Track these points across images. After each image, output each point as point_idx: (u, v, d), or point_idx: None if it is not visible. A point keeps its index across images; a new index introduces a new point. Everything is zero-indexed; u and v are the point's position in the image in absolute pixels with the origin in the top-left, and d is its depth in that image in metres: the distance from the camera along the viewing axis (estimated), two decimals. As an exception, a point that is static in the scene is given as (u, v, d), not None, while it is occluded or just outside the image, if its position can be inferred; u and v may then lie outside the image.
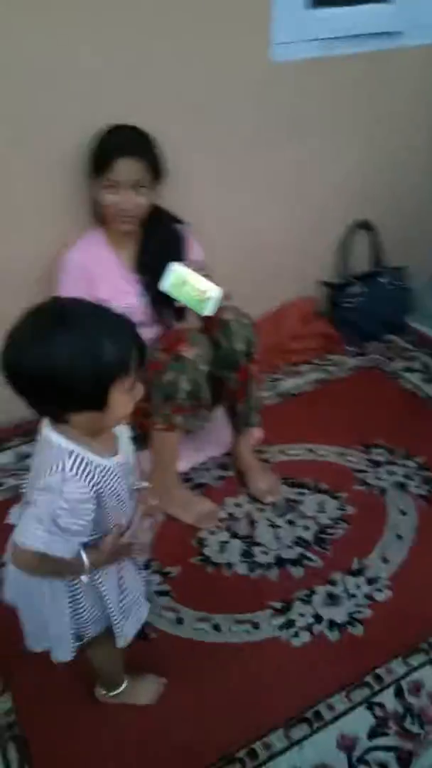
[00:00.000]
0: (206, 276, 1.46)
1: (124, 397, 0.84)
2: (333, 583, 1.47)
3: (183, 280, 1.43)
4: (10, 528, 0.92)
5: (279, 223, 2.13)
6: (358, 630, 1.37)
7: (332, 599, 1.43)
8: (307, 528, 1.61)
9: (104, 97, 1.56)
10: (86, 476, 0.85)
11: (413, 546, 1.55)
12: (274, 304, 2.29)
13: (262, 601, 1.43)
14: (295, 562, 1.52)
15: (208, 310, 1.44)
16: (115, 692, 1.22)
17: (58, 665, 1.04)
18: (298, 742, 1.18)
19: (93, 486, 0.86)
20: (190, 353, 1.48)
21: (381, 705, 1.23)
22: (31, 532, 0.84)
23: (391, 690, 1.26)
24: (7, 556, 0.94)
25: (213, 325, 1.58)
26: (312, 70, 1.88)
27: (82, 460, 0.85)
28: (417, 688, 1.26)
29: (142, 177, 1.47)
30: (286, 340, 2.23)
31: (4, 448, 1.84)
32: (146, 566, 1.47)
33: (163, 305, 1.58)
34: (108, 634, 1.04)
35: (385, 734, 1.19)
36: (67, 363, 0.77)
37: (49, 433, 0.87)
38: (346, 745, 1.17)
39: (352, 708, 1.23)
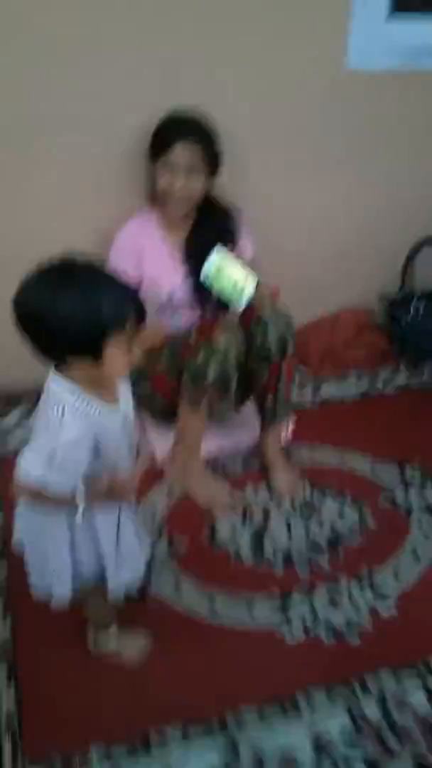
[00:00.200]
0: (245, 269, 1.53)
1: (119, 352, 0.93)
2: (337, 588, 1.50)
3: (221, 271, 1.49)
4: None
5: (342, 230, 2.18)
6: (353, 638, 1.40)
7: (334, 603, 1.47)
8: (321, 532, 1.65)
9: (175, 86, 1.67)
10: (84, 417, 0.95)
11: (429, 568, 1.56)
12: (331, 309, 2.34)
13: (262, 589, 1.48)
14: (303, 562, 1.56)
15: (243, 300, 1.50)
16: (104, 646, 1.30)
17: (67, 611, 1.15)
18: (270, 723, 1.22)
19: (91, 427, 0.96)
20: (221, 341, 1.56)
21: (361, 710, 1.26)
22: (30, 465, 0.95)
23: (374, 699, 1.28)
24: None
25: (250, 318, 1.65)
26: (388, 81, 1.92)
27: (83, 401, 0.95)
28: (401, 703, 1.28)
29: (197, 162, 1.57)
30: (337, 347, 2.27)
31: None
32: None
33: (207, 291, 1.66)
34: (104, 586, 1.14)
35: (360, 740, 1.21)
36: (67, 309, 0.88)
37: (53, 378, 0.97)
38: (317, 738, 1.21)
39: (332, 707, 1.26)
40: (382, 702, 1.28)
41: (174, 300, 1.75)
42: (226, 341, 1.57)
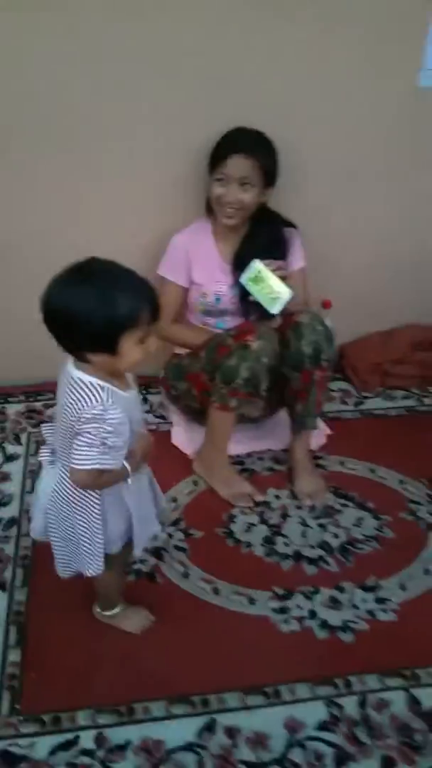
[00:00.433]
0: (282, 278, 1.66)
1: (134, 346, 1.06)
2: (341, 589, 1.57)
3: (260, 277, 1.66)
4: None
5: (402, 246, 2.23)
6: (347, 637, 1.46)
7: (334, 603, 1.54)
8: (336, 536, 1.72)
9: (243, 101, 1.82)
10: (119, 400, 1.10)
11: (439, 584, 1.59)
12: (388, 325, 2.39)
13: (266, 583, 1.58)
14: (312, 561, 1.64)
15: (275, 309, 1.66)
16: (109, 612, 1.45)
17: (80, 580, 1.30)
18: (250, 708, 1.32)
19: (125, 409, 1.11)
20: (254, 344, 1.68)
21: (340, 706, 1.32)
22: (84, 457, 1.09)
23: (355, 698, 1.34)
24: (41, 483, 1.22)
25: (287, 325, 1.76)
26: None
27: (111, 392, 1.09)
28: (382, 706, 1.33)
29: (250, 174, 1.70)
30: (389, 362, 2.32)
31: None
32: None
33: (251, 300, 1.78)
34: (115, 556, 1.29)
35: (332, 732, 1.28)
36: (85, 308, 1.01)
37: (76, 372, 1.10)
38: (292, 726, 1.29)
39: (312, 699, 1.34)
40: (362, 702, 1.33)
41: (219, 306, 1.90)
42: (260, 345, 1.69)
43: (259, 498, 1.81)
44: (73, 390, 1.09)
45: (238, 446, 1.97)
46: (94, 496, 1.19)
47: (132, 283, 1.05)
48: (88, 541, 1.22)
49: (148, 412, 2.14)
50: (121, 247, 1.90)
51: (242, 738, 1.27)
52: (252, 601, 1.54)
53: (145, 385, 2.23)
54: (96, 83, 1.76)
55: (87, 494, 1.18)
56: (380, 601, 1.54)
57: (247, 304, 1.83)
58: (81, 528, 1.21)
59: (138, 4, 1.66)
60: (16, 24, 1.65)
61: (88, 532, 1.21)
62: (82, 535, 1.22)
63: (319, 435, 2.03)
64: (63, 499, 1.20)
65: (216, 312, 1.92)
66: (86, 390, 1.08)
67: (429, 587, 1.58)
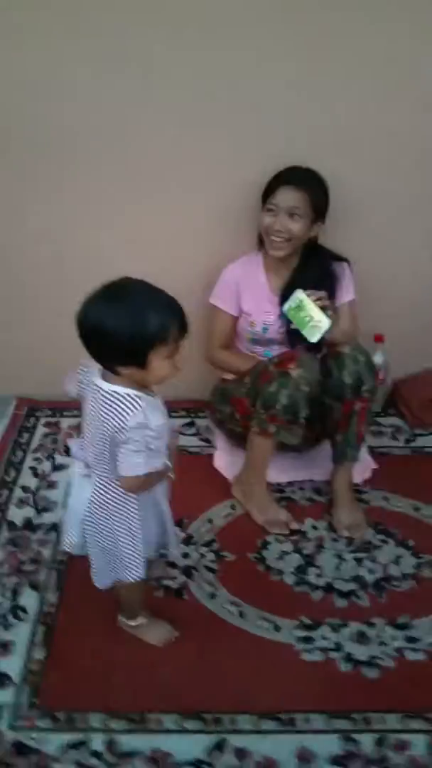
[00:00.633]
0: (323, 308, 1.71)
1: (162, 362, 1.13)
2: (370, 625, 1.55)
3: (301, 306, 1.72)
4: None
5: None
6: (372, 673, 1.44)
7: (361, 638, 1.52)
8: (371, 571, 1.70)
9: (300, 138, 1.91)
10: (156, 410, 1.18)
11: None
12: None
13: (294, 612, 1.58)
14: (343, 595, 1.63)
15: (314, 337, 1.72)
16: (133, 622, 1.50)
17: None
18: (262, 732, 1.32)
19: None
20: (295, 372, 1.72)
21: (356, 742, 1.30)
22: (134, 464, 1.17)
23: (373, 736, 1.31)
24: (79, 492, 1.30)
25: (330, 355, 1.80)
26: None
27: (145, 400, 1.17)
28: (402, 747, 1.30)
29: (298, 206, 1.77)
30: (443, 401, 2.29)
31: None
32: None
33: (298, 332, 1.83)
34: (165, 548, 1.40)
35: (344, 767, 1.26)
36: (116, 324, 1.09)
37: (109, 386, 1.17)
38: (303, 756, 1.28)
39: (327, 731, 1.32)
40: (381, 741, 1.31)
41: (266, 336, 1.96)
42: (300, 373, 1.74)
43: (295, 526, 1.82)
44: (111, 403, 1.16)
45: (280, 474, 2.00)
46: (133, 501, 1.26)
47: (161, 301, 1.13)
48: (129, 546, 1.29)
49: (194, 435, 2.21)
50: (177, 275, 2.03)
51: (251, 761, 1.27)
52: (277, 628, 1.54)
53: (194, 409, 2.31)
54: (157, 121, 1.89)
55: (127, 499, 1.26)
56: (411, 640, 1.51)
57: (293, 334, 1.88)
58: (121, 534, 1.28)
59: (192, 41, 1.79)
60: (79, 56, 1.81)
61: (128, 537, 1.28)
62: (122, 541, 1.29)
63: (364, 468, 2.02)
64: (102, 508, 1.27)
65: (263, 341, 1.98)
66: (126, 401, 1.15)
67: (464, 631, 1.54)
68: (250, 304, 1.96)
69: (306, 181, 1.79)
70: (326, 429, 1.89)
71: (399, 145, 1.96)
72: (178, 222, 2.06)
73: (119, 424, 1.14)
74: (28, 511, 1.87)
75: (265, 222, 1.83)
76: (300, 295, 1.74)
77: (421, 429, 2.26)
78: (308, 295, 1.74)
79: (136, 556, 1.30)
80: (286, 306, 1.78)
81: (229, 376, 2.03)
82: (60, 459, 2.07)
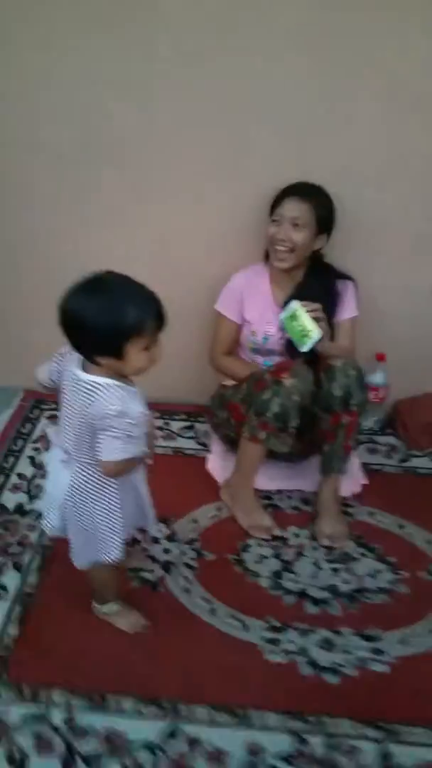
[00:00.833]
0: (316, 320, 1.76)
1: (139, 354, 1.19)
2: (338, 633, 1.58)
3: (295, 316, 1.78)
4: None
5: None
6: (332, 679, 1.47)
7: (327, 645, 1.55)
8: (347, 582, 1.73)
9: (311, 155, 1.98)
10: (134, 399, 1.24)
11: (442, 647, 1.56)
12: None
13: (264, 613, 1.62)
14: (315, 602, 1.66)
15: (305, 347, 1.78)
16: (105, 608, 1.56)
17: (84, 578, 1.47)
18: (217, 724, 1.36)
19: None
20: (288, 381, 1.78)
21: (306, 743, 1.33)
22: (114, 450, 1.23)
23: (325, 739, 1.34)
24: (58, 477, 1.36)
25: (322, 368, 1.85)
26: None
27: (128, 390, 1.24)
28: (351, 752, 1.32)
29: (302, 216, 1.83)
30: (442, 424, 2.31)
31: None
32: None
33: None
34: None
35: (292, 765, 1.29)
36: (94, 315, 1.15)
37: (87, 376, 1.23)
38: (253, 750, 1.31)
39: (280, 730, 1.36)
40: (332, 745, 1.33)
41: (267, 346, 2.02)
42: (292, 383, 1.79)
43: (277, 533, 1.86)
44: (91, 392, 1.22)
45: (270, 482, 2.05)
46: (113, 485, 1.32)
47: (140, 295, 1.19)
48: (108, 528, 1.35)
49: (191, 438, 2.27)
50: (186, 281, 2.08)
51: (202, 750, 1.31)
52: (246, 627, 1.58)
53: (194, 413, 2.37)
54: (172, 135, 1.99)
55: (106, 484, 1.32)
56: (377, 651, 1.54)
57: (292, 345, 1.93)
58: (100, 517, 1.34)
59: (211, 61, 1.88)
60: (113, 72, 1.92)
61: (107, 519, 1.34)
62: (101, 524, 1.35)
63: (353, 483, 2.06)
64: (82, 492, 1.33)
65: (264, 351, 2.03)
66: (104, 390, 1.21)
67: (428, 648, 1.55)
68: (253, 314, 2.02)
69: (310, 194, 1.86)
70: (315, 440, 1.93)
71: (409, 164, 2.01)
72: (189, 231, 2.14)
73: (99, 413, 1.20)
74: (21, 497, 1.95)
75: (270, 232, 1.90)
76: (295, 305, 1.80)
77: (417, 451, 2.29)
78: (303, 306, 1.79)
79: (114, 537, 1.36)
80: (282, 315, 1.84)
81: (230, 382, 2.09)
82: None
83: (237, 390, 1.99)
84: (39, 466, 2.07)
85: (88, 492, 1.33)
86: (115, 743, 1.31)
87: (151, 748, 1.31)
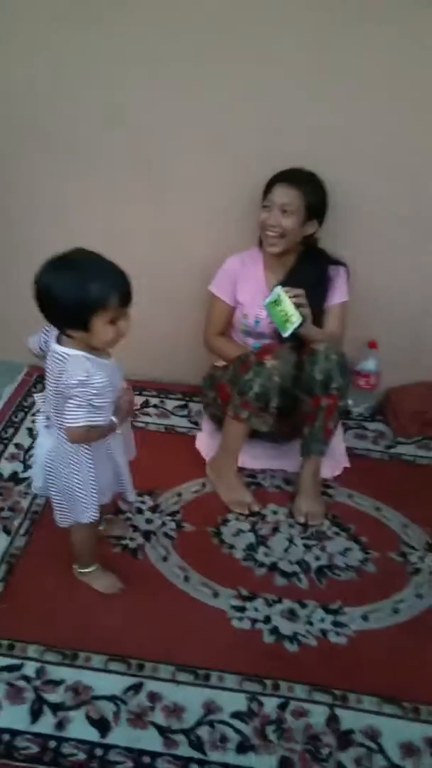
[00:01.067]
0: (298, 306, 1.80)
1: (105, 327, 1.25)
2: (303, 605, 1.63)
3: (278, 301, 1.81)
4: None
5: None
6: (292, 647, 1.53)
7: (291, 615, 1.61)
8: (317, 558, 1.78)
9: (303, 141, 1.99)
10: (101, 367, 1.30)
11: (401, 625, 1.60)
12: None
13: (234, 583, 1.68)
14: (285, 575, 1.72)
15: (286, 332, 1.82)
16: (85, 570, 1.64)
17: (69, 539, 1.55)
18: (178, 682, 1.43)
19: (107, 373, 1.31)
20: (269, 363, 1.82)
21: (261, 704, 1.40)
22: (76, 416, 1.30)
23: (278, 700, 1.41)
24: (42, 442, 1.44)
25: (305, 351, 1.88)
26: None
27: (94, 361, 1.30)
28: (300, 713, 1.38)
29: (292, 202, 1.86)
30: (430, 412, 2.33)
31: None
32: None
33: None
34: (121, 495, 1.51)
35: (244, 722, 1.36)
36: (62, 290, 1.21)
37: (60, 348, 1.31)
38: (209, 707, 1.38)
39: (237, 690, 1.42)
40: (283, 705, 1.40)
41: (258, 329, 2.06)
42: (274, 364, 1.83)
43: (255, 508, 1.92)
44: (61, 363, 1.30)
45: (254, 461, 2.10)
46: (86, 451, 1.39)
47: (106, 271, 1.24)
48: (82, 490, 1.42)
49: (185, 417, 2.33)
50: (182, 263, 2.12)
51: (161, 705, 1.39)
52: (216, 594, 1.65)
53: (189, 393, 2.42)
54: (169, 121, 2.02)
55: (79, 450, 1.39)
56: (337, 624, 1.59)
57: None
58: (75, 480, 1.41)
59: (199, 53, 1.91)
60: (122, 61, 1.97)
61: (81, 482, 1.41)
62: (76, 486, 1.42)
63: (335, 466, 2.09)
64: (60, 456, 1.41)
65: (255, 334, 2.07)
66: (71, 361, 1.29)
67: (391, 624, 1.60)
68: (245, 296, 2.05)
69: (300, 180, 1.88)
70: (298, 422, 1.97)
71: (401, 151, 2.01)
72: (186, 215, 2.18)
73: (65, 381, 1.27)
74: (17, 466, 2.03)
75: (261, 217, 1.93)
76: (278, 290, 1.83)
77: (405, 438, 2.31)
78: (286, 292, 1.82)
79: (88, 499, 1.43)
80: (266, 300, 1.88)
81: (221, 363, 2.14)
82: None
83: (226, 371, 2.04)
84: (36, 437, 2.15)
85: (64, 457, 1.40)
86: (81, 695, 1.39)
87: (114, 700, 1.38)
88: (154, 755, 1.29)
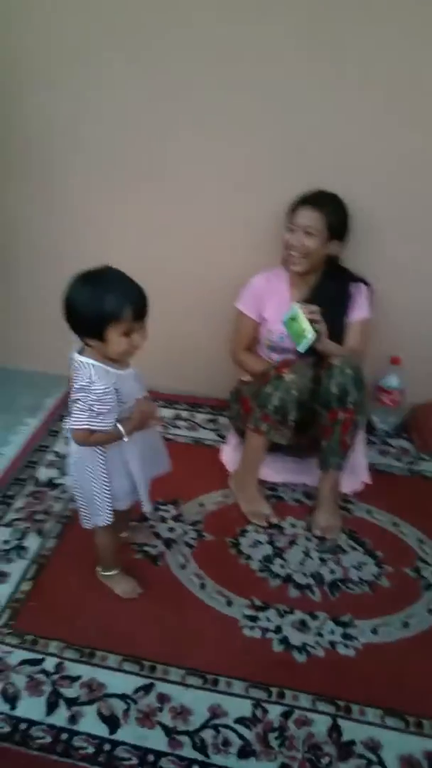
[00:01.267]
0: (313, 322, 1.81)
1: (119, 338, 1.30)
2: (314, 616, 1.63)
3: (295, 317, 1.83)
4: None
5: None
6: (300, 658, 1.53)
7: (302, 626, 1.61)
8: (332, 572, 1.77)
9: (327, 166, 2.02)
10: (105, 375, 1.36)
11: (409, 639, 1.58)
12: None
13: (249, 593, 1.70)
14: (299, 587, 1.72)
15: (302, 347, 1.84)
16: (107, 573, 1.69)
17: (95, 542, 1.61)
18: (187, 686, 1.46)
19: (112, 384, 1.36)
20: (288, 377, 1.84)
21: (266, 711, 1.41)
22: (77, 420, 1.37)
23: (282, 708, 1.41)
24: (70, 447, 1.50)
25: (323, 366, 1.89)
26: None
27: (100, 369, 1.36)
28: (303, 722, 1.38)
29: (315, 224, 1.89)
30: (456, 430, 2.29)
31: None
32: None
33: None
34: (116, 522, 1.53)
35: (248, 728, 1.37)
36: (81, 302, 1.29)
37: (76, 356, 1.38)
38: (215, 711, 1.40)
39: (243, 696, 1.44)
40: (287, 714, 1.40)
41: (282, 344, 2.09)
42: (292, 378, 1.86)
43: (274, 521, 1.93)
44: (73, 368, 1.38)
45: (276, 475, 2.11)
46: (100, 458, 1.44)
47: (123, 287, 1.31)
48: (98, 495, 1.48)
49: (213, 430, 2.37)
50: (212, 281, 2.17)
51: (169, 706, 1.41)
52: (230, 603, 1.67)
53: (218, 407, 2.46)
54: (200, 146, 2.10)
55: (94, 455, 1.44)
56: (347, 636, 1.58)
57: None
58: (92, 483, 1.47)
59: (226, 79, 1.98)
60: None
61: (96, 486, 1.47)
62: (93, 491, 1.47)
63: (355, 481, 2.08)
64: (80, 460, 1.48)
65: (279, 349, 2.10)
66: (80, 368, 1.36)
67: (400, 637, 1.58)
68: (270, 313, 2.08)
69: (322, 203, 1.91)
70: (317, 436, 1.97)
71: (423, 170, 2.02)
72: (217, 236, 2.24)
73: (72, 386, 1.35)
74: (54, 472, 2.11)
75: (285, 238, 1.97)
76: (295, 307, 1.85)
77: (428, 455, 2.27)
78: (301, 309, 1.84)
79: (102, 503, 1.48)
80: (284, 317, 1.90)
81: (247, 377, 2.17)
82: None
83: (250, 385, 2.07)
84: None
85: (83, 461, 1.46)
86: (95, 691, 1.44)
87: (125, 698, 1.42)
88: (159, 754, 1.32)
